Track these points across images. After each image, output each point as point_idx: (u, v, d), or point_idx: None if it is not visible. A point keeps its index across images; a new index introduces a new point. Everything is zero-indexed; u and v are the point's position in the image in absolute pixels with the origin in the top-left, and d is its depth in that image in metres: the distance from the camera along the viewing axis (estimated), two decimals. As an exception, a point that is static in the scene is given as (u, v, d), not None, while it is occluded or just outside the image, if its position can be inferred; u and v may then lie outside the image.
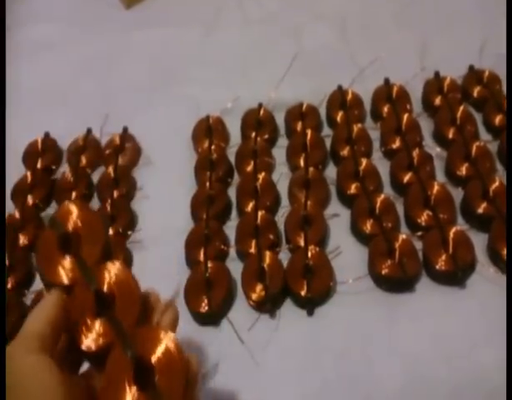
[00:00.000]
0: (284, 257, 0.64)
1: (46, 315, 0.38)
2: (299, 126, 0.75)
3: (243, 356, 0.58)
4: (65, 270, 0.40)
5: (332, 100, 0.78)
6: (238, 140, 0.78)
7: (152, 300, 0.42)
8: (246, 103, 0.79)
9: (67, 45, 0.98)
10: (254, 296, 0.60)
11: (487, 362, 0.54)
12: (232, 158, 0.75)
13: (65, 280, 0.40)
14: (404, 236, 0.62)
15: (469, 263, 0.60)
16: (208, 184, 0.70)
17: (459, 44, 0.82)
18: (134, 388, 0.36)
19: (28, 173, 0.77)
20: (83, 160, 0.78)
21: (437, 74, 0.76)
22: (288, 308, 0.61)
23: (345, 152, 0.71)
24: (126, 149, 0.79)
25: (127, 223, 0.70)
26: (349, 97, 0.77)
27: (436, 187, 0.65)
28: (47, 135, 0.82)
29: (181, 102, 0.84)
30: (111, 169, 0.75)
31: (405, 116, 0.73)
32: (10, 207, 0.75)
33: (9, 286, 0.66)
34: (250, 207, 0.68)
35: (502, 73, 0.75)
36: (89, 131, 0.81)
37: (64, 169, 0.79)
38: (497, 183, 0.64)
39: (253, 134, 0.75)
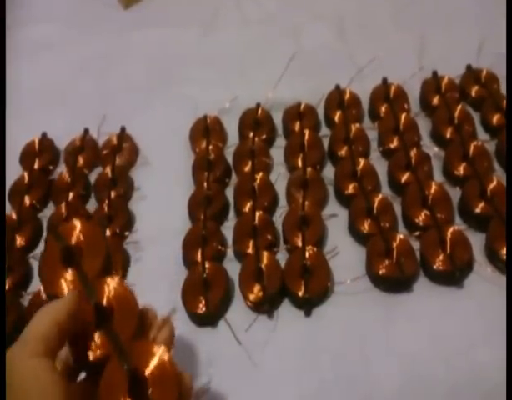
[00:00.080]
0: (282, 257, 0.64)
1: (54, 317, 0.38)
2: (297, 126, 0.75)
3: (241, 356, 0.58)
4: (67, 282, 0.42)
5: (330, 100, 0.78)
6: (236, 140, 0.78)
7: (149, 316, 0.43)
8: (244, 103, 0.79)
9: (65, 45, 0.98)
10: (252, 296, 0.60)
11: (485, 361, 0.54)
12: (229, 158, 0.75)
13: (66, 292, 0.42)
14: (401, 236, 0.62)
15: (467, 263, 0.60)
16: (205, 184, 0.70)
17: (456, 44, 0.82)
18: None
19: (25, 174, 0.77)
20: (81, 160, 0.78)
21: (435, 74, 0.76)
22: (286, 309, 0.61)
23: (343, 151, 0.71)
24: (123, 149, 0.79)
25: (124, 224, 0.70)
26: (347, 96, 0.77)
27: (434, 187, 0.65)
28: (44, 135, 0.82)
29: (179, 102, 0.84)
30: (108, 169, 0.74)
31: (403, 115, 0.73)
32: (7, 208, 0.75)
33: (6, 287, 0.66)
34: (248, 207, 0.68)
35: (500, 73, 0.75)
36: (86, 131, 0.81)
37: (61, 169, 0.79)
38: (495, 183, 0.63)
39: (251, 134, 0.75)
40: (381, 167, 0.70)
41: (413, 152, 0.68)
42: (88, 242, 0.44)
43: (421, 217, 0.63)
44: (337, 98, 0.76)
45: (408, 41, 0.84)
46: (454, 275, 0.58)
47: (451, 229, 0.61)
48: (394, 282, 0.60)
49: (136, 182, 0.76)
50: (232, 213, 0.70)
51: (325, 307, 0.60)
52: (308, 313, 0.60)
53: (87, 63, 0.94)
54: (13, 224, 0.71)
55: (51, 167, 0.80)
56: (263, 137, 0.76)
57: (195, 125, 0.79)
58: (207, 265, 0.62)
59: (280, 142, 0.76)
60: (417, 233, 0.63)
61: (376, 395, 0.54)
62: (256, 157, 0.72)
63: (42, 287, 0.60)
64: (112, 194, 0.72)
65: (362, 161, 0.69)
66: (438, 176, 0.69)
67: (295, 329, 0.59)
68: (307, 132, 0.73)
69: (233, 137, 0.78)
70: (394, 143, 0.71)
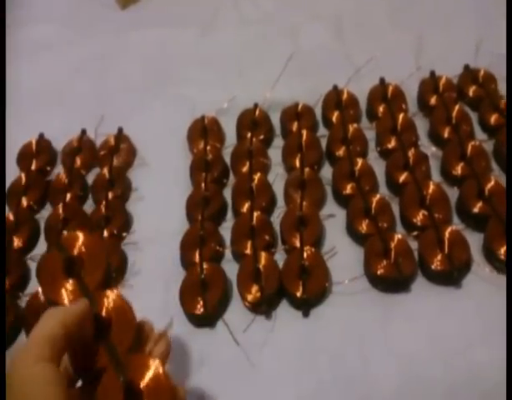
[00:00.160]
0: (280, 257, 0.64)
1: (62, 320, 0.38)
2: (295, 126, 0.75)
3: (239, 357, 0.58)
4: (67, 292, 0.43)
5: (327, 100, 0.77)
6: (234, 140, 0.78)
7: (146, 329, 0.44)
8: (242, 103, 0.79)
9: (63, 45, 0.98)
10: (250, 297, 0.60)
11: (483, 361, 0.54)
12: (227, 159, 0.75)
13: (67, 302, 0.42)
14: (399, 236, 0.62)
15: (465, 263, 0.60)
16: (203, 185, 0.70)
17: (454, 43, 0.82)
18: None
19: (22, 175, 0.77)
20: (78, 161, 0.78)
21: (432, 73, 0.76)
22: (284, 309, 0.61)
23: (341, 152, 0.71)
24: (121, 150, 0.78)
25: (122, 225, 0.70)
26: (345, 96, 0.77)
27: (432, 187, 0.65)
28: (41, 136, 0.81)
29: (176, 102, 0.84)
30: (106, 170, 0.74)
31: (401, 115, 0.73)
32: (4, 209, 0.75)
33: (4, 288, 0.66)
34: (246, 207, 0.68)
35: (497, 73, 0.75)
36: (84, 132, 0.81)
37: (59, 170, 0.78)
38: (492, 183, 0.63)
39: (249, 134, 0.74)
40: (379, 167, 0.70)
41: (410, 152, 0.68)
42: (90, 254, 0.44)
43: (419, 217, 0.63)
44: (335, 98, 0.76)
45: (405, 41, 0.84)
46: (452, 275, 0.58)
47: (449, 229, 0.61)
48: (392, 283, 0.60)
49: (133, 183, 0.76)
50: (230, 214, 0.70)
51: (323, 307, 0.60)
52: (306, 314, 0.60)
53: (85, 64, 0.94)
54: (11, 225, 0.70)
55: (48, 168, 0.80)
56: (261, 137, 0.76)
57: (193, 125, 0.79)
58: (205, 266, 0.62)
59: (278, 142, 0.76)
60: (415, 233, 0.63)
61: (374, 395, 0.54)
62: (254, 157, 0.71)
63: (40, 290, 0.60)
64: (110, 195, 0.72)
65: (360, 161, 0.69)
66: (436, 176, 0.69)
67: (293, 330, 0.59)
68: (305, 132, 0.73)
69: (230, 138, 0.78)
70: (392, 143, 0.71)
